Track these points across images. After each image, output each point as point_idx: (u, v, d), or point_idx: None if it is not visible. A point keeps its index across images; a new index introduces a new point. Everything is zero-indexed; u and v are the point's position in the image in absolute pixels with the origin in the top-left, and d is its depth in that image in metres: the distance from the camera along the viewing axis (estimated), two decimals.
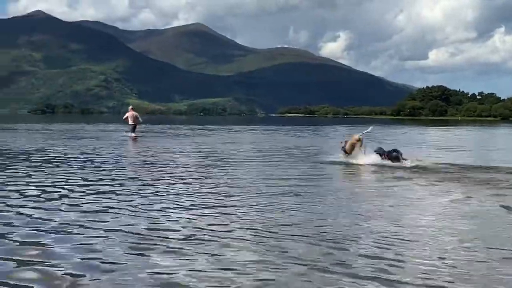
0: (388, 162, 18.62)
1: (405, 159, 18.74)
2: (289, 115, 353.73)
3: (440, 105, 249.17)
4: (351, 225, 8.64)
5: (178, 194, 11.67)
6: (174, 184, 13.26)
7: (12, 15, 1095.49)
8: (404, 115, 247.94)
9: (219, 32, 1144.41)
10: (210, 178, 14.56)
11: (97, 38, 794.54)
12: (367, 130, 20.38)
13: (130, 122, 38.14)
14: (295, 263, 6.44)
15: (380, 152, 19.31)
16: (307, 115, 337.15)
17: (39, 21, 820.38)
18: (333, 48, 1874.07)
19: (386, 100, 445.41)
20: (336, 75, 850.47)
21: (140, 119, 39.15)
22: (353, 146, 19.16)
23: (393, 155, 18.89)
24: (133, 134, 37.27)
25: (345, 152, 19.42)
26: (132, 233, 7.93)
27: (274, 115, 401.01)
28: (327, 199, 11.34)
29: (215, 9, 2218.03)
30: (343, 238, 7.72)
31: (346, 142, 19.63)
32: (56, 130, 51.87)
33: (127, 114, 38.64)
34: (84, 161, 18.95)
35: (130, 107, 40.82)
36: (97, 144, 29.14)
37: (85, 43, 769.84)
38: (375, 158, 18.92)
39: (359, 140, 19.05)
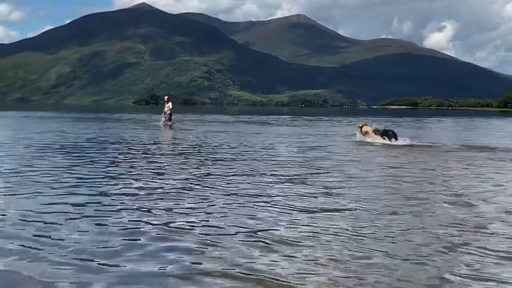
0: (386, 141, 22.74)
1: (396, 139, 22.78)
2: (392, 107, 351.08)
3: None
4: None
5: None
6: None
7: (117, 8, 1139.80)
8: (511, 107, 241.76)
9: (321, 24, 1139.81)
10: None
11: (201, 30, 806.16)
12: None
13: (166, 110, 39.91)
14: None
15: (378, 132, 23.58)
16: (410, 107, 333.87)
17: (144, 14, 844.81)
18: (438, 39, 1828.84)
19: (493, 92, 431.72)
20: (440, 66, 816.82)
21: (171, 106, 40.30)
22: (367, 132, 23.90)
23: (390, 134, 22.88)
24: (168, 122, 38.90)
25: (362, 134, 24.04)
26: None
27: (376, 106, 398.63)
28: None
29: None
30: None
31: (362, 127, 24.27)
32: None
33: (167, 105, 40.07)
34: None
35: (166, 97, 41.54)
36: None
37: (189, 35, 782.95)
38: (378, 138, 23.02)
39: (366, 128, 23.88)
